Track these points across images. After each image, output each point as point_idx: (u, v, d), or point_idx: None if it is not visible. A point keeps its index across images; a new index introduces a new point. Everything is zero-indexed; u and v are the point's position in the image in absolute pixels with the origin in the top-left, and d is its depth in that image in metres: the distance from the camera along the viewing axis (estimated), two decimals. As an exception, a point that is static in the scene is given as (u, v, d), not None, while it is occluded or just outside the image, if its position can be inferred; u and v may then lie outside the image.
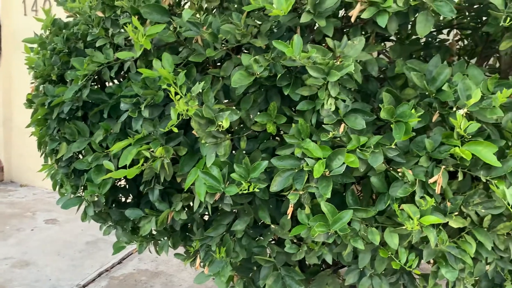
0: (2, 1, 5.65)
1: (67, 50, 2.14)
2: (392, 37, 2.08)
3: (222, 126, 1.66)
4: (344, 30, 1.86)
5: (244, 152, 1.83)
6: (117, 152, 1.94)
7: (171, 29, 1.75)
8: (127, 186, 2.34)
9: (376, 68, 1.77)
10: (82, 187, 2.21)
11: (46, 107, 2.18)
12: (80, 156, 2.28)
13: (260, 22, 1.77)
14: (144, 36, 1.69)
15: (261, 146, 1.87)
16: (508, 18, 1.50)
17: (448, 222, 1.57)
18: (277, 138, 1.92)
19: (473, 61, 2.22)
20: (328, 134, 1.59)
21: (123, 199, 2.41)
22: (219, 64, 1.98)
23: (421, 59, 2.03)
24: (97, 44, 1.97)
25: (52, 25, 2.23)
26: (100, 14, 1.88)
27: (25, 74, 5.87)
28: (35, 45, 2.47)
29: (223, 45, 1.74)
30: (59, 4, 2.39)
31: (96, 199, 2.14)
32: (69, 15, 2.27)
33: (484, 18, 2.03)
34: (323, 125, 1.61)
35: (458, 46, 2.33)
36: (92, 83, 2.21)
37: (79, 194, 2.18)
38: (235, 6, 1.83)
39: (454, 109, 1.53)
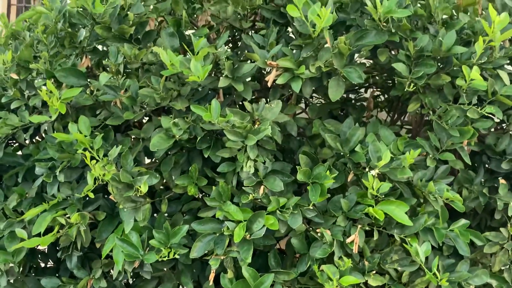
0: None
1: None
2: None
3: (141, 191, 1.62)
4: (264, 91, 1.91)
5: (166, 214, 1.80)
6: (32, 218, 1.84)
7: (87, 92, 1.72)
8: (46, 250, 2.22)
9: (295, 128, 1.82)
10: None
11: (-46, 170, 2.05)
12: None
13: (182, 83, 1.78)
14: (59, 100, 1.65)
15: (184, 207, 1.85)
16: (412, 84, 1.61)
17: (367, 280, 1.60)
18: (200, 197, 1.91)
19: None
20: (248, 196, 1.60)
21: (42, 265, 2.28)
22: (140, 124, 1.96)
23: (341, 116, 2.12)
24: (12, 106, 1.89)
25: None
26: (14, 76, 1.82)
27: None
28: None
29: (142, 108, 1.73)
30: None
31: (9, 268, 2.00)
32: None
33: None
34: (243, 187, 1.61)
35: (377, 100, 2.45)
36: (10, 142, 2.12)
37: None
38: (156, 68, 1.83)
39: (367, 169, 1.59)
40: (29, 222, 1.88)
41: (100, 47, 1.91)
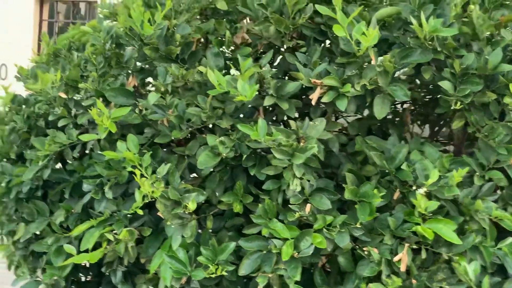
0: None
1: (26, 129, 2.10)
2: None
3: (189, 208, 1.65)
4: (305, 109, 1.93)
5: (210, 230, 1.82)
6: (78, 234, 1.89)
7: (136, 111, 1.76)
8: (87, 264, 2.26)
9: (337, 145, 1.83)
10: (41, 270, 2.11)
11: (3, 186, 2.11)
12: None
13: (222, 101, 1.80)
14: (109, 119, 1.69)
15: (227, 223, 1.87)
16: (459, 103, 1.61)
17: (414, 299, 1.59)
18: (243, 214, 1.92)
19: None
20: (294, 214, 1.61)
21: (83, 278, 2.32)
22: (183, 141, 1.99)
23: (379, 132, 2.12)
24: (60, 124, 1.95)
25: (12, 102, 2.21)
26: (63, 95, 1.88)
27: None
28: None
29: (188, 126, 1.77)
30: (19, 81, 2.38)
31: (54, 282, 2.05)
32: (31, 93, 2.26)
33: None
34: (289, 205, 1.63)
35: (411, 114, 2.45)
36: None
37: (38, 278, 2.09)
38: (202, 87, 1.87)
39: (414, 187, 1.59)
40: (75, 237, 1.93)
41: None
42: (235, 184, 1.78)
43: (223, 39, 1.87)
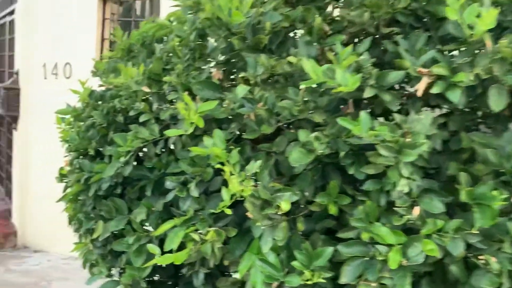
0: (22, 65, 5.70)
1: (105, 124, 2.06)
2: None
3: (282, 209, 1.53)
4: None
5: (300, 233, 1.70)
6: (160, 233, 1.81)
7: (224, 105, 1.66)
8: (162, 264, 2.19)
9: (439, 142, 1.66)
10: (119, 269, 2.06)
11: (81, 183, 2.07)
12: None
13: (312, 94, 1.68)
14: (196, 114, 1.60)
15: (317, 226, 1.74)
16: None
17: (540, 316, 1.40)
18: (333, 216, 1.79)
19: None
20: (401, 218, 1.46)
21: (156, 278, 2.26)
22: (267, 138, 1.88)
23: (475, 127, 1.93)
24: (141, 119, 1.88)
25: (89, 97, 2.17)
26: (146, 89, 1.81)
27: (43, 141, 5.85)
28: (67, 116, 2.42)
29: (277, 120, 1.65)
30: (95, 76, 2.34)
31: (131, 282, 1.99)
32: (107, 87, 2.21)
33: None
34: (394, 208, 1.48)
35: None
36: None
37: (115, 278, 2.03)
38: (287, 79, 1.75)
39: (539, 189, 1.41)
40: (156, 237, 1.86)
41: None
42: (326, 183, 1.65)
43: (312, 26, 1.74)
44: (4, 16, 7.06)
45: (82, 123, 2.27)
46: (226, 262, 1.81)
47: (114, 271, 2.14)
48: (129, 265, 1.91)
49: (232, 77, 1.87)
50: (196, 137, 1.81)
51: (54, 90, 5.51)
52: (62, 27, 5.44)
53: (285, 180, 1.79)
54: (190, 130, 1.65)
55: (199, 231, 1.71)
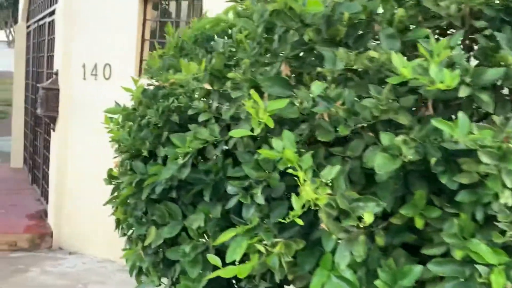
0: (62, 65, 5.70)
1: (161, 124, 1.93)
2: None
3: (362, 220, 1.37)
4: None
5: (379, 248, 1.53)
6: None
7: (296, 103, 1.50)
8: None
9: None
10: (170, 279, 1.93)
11: (133, 186, 1.95)
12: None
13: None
14: (265, 113, 1.45)
15: (395, 240, 1.56)
16: None
17: None
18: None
19: None
20: (502, 235, 1.28)
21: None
22: (339, 141, 1.72)
23: None
24: (200, 119, 1.75)
25: (143, 96, 2.05)
26: (207, 86, 1.67)
27: (81, 141, 5.82)
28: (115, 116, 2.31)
29: (356, 121, 1.49)
30: (148, 74, 2.23)
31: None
32: (157, 86, 2.09)
33: None
34: (495, 223, 1.30)
35: None
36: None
37: (168, 288, 1.90)
38: (362, 76, 1.59)
39: None
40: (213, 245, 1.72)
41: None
42: (408, 193, 1.48)
43: (393, 19, 1.57)
44: (44, 17, 7.12)
45: (132, 123, 2.16)
46: (290, 277, 1.65)
47: (163, 280, 2.01)
48: (184, 275, 1.78)
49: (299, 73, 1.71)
50: (256, 139, 1.67)
51: (93, 91, 5.49)
52: (102, 27, 5.41)
53: (358, 188, 1.62)
54: (258, 131, 1.50)
55: (264, 242, 1.56)
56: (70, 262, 5.27)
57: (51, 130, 5.98)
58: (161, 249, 1.92)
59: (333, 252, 1.47)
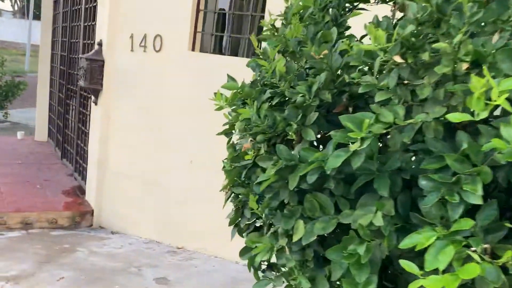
0: (107, 36, 5.39)
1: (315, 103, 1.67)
2: None
3: None
4: None
5: None
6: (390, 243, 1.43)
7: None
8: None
9: None
10: (320, 281, 1.69)
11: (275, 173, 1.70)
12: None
13: None
14: (498, 94, 1.19)
15: None
16: None
17: None
18: None
19: None
20: None
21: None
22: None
23: None
24: (377, 99, 1.49)
25: (287, 73, 1.78)
26: (398, 59, 1.40)
27: (126, 116, 5.55)
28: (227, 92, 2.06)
29: None
30: (272, 44, 1.96)
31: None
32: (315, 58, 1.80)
33: None
34: None
35: None
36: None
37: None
38: None
39: None
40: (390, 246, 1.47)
41: None
42: None
43: None
44: (80, -15, 6.78)
45: (255, 101, 1.90)
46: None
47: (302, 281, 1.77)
48: (345, 278, 1.54)
49: None
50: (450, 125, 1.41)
51: (142, 64, 5.20)
52: (152, -4, 5.09)
53: None
54: (484, 114, 1.23)
55: (473, 249, 1.31)
56: (116, 243, 5.05)
57: (93, 104, 5.70)
58: (310, 246, 1.68)
59: None
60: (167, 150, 5.12)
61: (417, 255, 1.49)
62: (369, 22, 1.55)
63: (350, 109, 1.82)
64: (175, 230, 5.12)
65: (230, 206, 2.26)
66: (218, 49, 5.34)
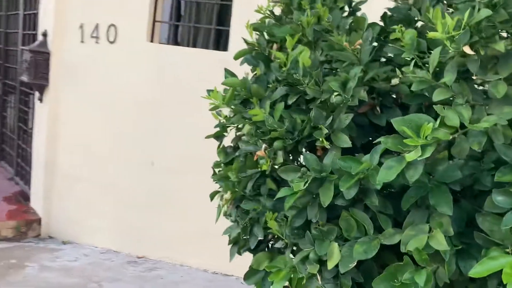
0: (54, 26, 4.86)
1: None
2: None
3: None
4: None
5: None
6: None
7: None
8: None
9: None
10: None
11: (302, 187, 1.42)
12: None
13: None
14: None
15: None
16: None
17: None
18: None
19: None
20: None
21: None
22: None
23: None
24: (435, 98, 1.25)
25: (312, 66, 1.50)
26: (468, 50, 1.16)
27: (77, 114, 5.05)
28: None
29: None
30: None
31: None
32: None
33: None
34: None
35: None
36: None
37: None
38: None
39: None
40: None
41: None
42: None
43: None
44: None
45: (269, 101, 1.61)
46: None
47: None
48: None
49: None
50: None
51: (94, 57, 4.72)
52: (104, -18, 4.63)
53: None
54: None
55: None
56: (69, 255, 4.57)
57: (38, 101, 5.14)
58: (345, 274, 1.41)
59: None
60: (124, 150, 4.70)
61: (479, 280, 1.28)
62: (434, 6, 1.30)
63: (378, 109, 1.58)
64: (135, 238, 4.72)
65: (212, 217, 1.97)
66: (173, 40, 4.95)
